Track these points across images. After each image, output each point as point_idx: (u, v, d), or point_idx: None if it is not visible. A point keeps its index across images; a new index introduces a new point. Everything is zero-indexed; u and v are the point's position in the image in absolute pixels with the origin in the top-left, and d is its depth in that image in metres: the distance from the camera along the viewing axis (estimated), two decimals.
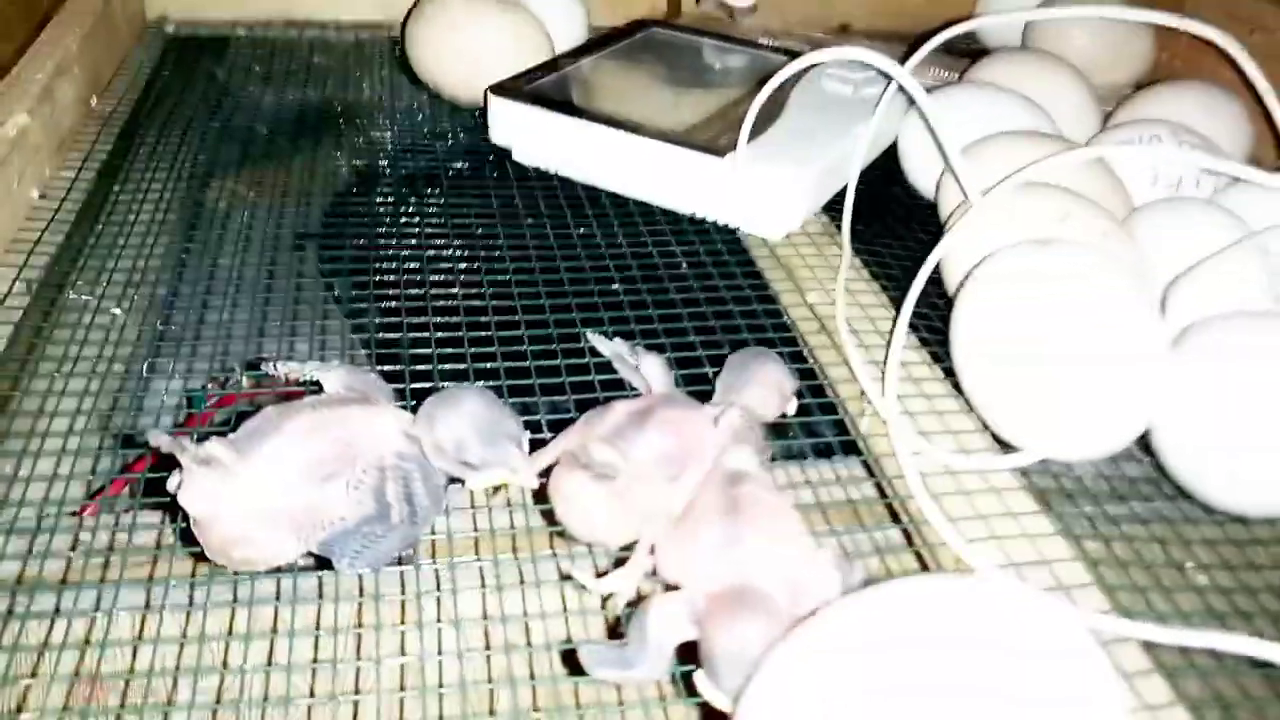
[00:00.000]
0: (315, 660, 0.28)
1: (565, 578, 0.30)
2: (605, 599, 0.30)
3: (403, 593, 0.30)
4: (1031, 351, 0.34)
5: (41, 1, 0.56)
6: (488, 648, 0.29)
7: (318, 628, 0.29)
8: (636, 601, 0.28)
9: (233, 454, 0.27)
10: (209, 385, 0.48)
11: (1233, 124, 0.52)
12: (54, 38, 0.52)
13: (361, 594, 0.30)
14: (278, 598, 0.30)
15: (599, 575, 0.29)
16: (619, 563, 0.29)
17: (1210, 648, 0.28)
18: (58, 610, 0.28)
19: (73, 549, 0.31)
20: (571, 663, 0.27)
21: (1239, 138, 0.52)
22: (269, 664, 0.28)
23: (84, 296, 0.40)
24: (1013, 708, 0.20)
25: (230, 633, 0.29)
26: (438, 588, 0.30)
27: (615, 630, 0.30)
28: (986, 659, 0.21)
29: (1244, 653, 0.28)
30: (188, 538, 0.28)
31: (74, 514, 0.33)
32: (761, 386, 0.34)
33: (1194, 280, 0.38)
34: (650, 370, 0.34)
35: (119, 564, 0.30)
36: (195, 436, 0.28)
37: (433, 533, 0.32)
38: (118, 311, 0.40)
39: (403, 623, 0.29)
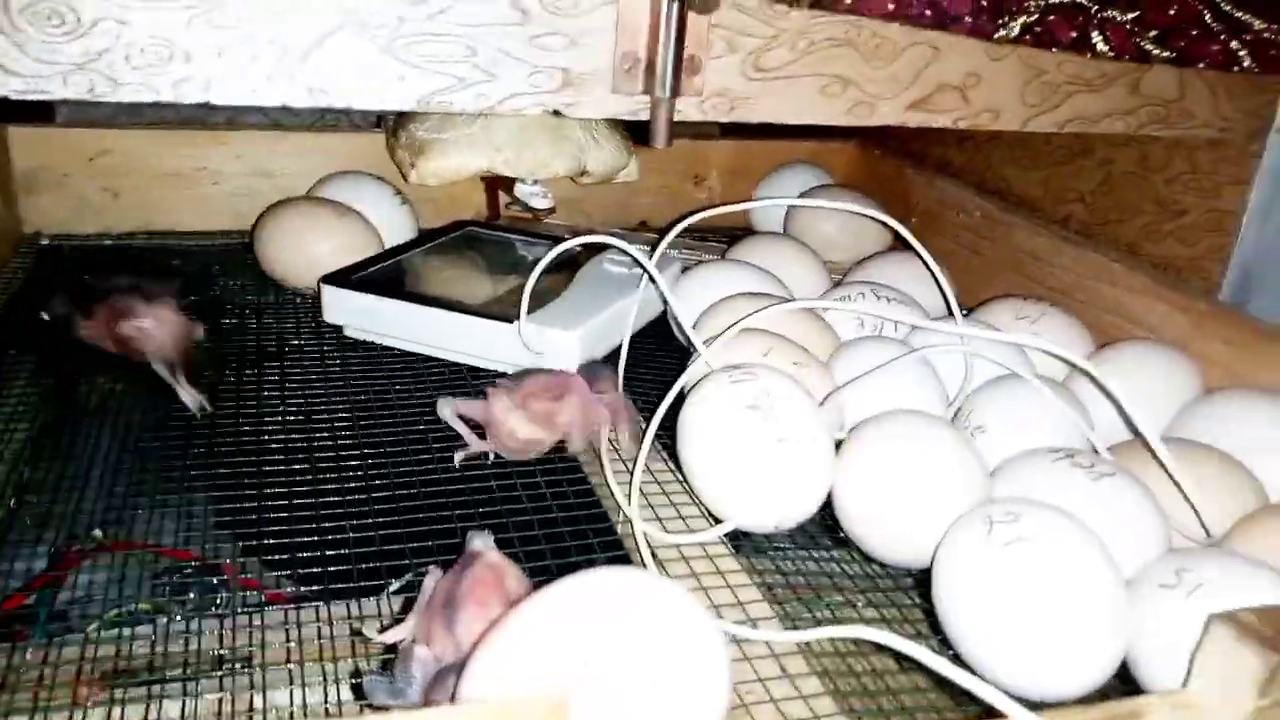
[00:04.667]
0: None
1: (356, 633, 0.38)
2: (388, 647, 0.37)
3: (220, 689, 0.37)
4: (729, 449, 0.45)
5: None
6: None
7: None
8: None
9: None
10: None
11: (928, 282, 0.66)
12: None
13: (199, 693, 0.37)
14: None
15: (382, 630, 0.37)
16: (396, 621, 0.37)
17: (838, 637, 0.38)
18: None
19: None
20: (358, 692, 0.35)
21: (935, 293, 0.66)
22: None
23: None
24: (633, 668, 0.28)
25: None
26: (250, 686, 0.37)
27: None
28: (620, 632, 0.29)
29: (860, 637, 0.37)
30: None
31: None
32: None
33: (864, 387, 0.49)
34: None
35: None
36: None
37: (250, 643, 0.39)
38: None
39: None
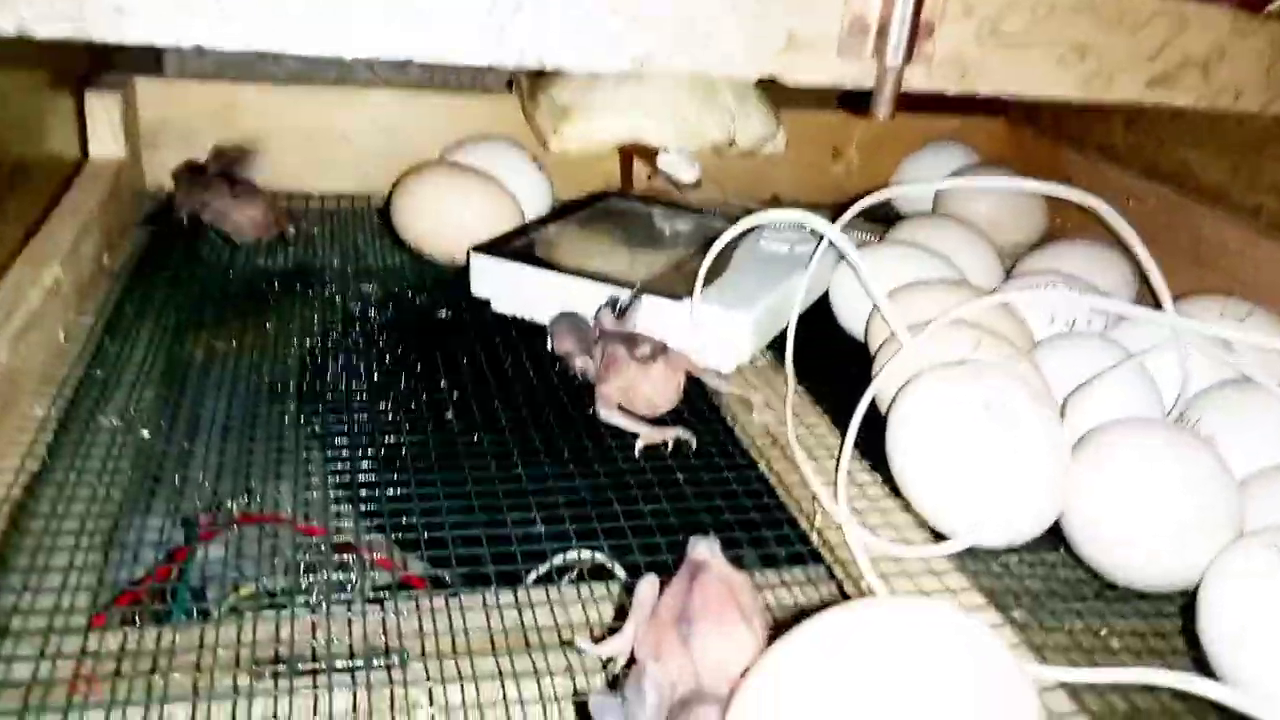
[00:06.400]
0: None
1: (567, 643, 0.35)
2: (605, 662, 0.34)
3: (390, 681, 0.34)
4: (958, 455, 0.41)
5: (66, 167, 0.62)
6: None
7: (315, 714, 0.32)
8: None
9: None
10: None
11: (1114, 273, 0.61)
12: (76, 200, 0.57)
13: (354, 683, 0.34)
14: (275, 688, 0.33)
15: (595, 641, 0.34)
16: (611, 631, 0.34)
17: (1119, 682, 0.33)
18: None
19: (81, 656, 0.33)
20: (583, 714, 0.31)
21: (1120, 285, 0.61)
22: None
23: (113, 421, 0.45)
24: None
25: None
26: (426, 678, 0.34)
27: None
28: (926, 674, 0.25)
29: (1149, 683, 0.33)
30: None
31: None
32: None
33: (1087, 394, 0.44)
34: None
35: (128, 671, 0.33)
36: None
37: (420, 630, 0.36)
38: (145, 434, 0.44)
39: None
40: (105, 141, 0.66)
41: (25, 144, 0.56)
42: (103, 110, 0.65)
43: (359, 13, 0.35)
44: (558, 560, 0.44)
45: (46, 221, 0.54)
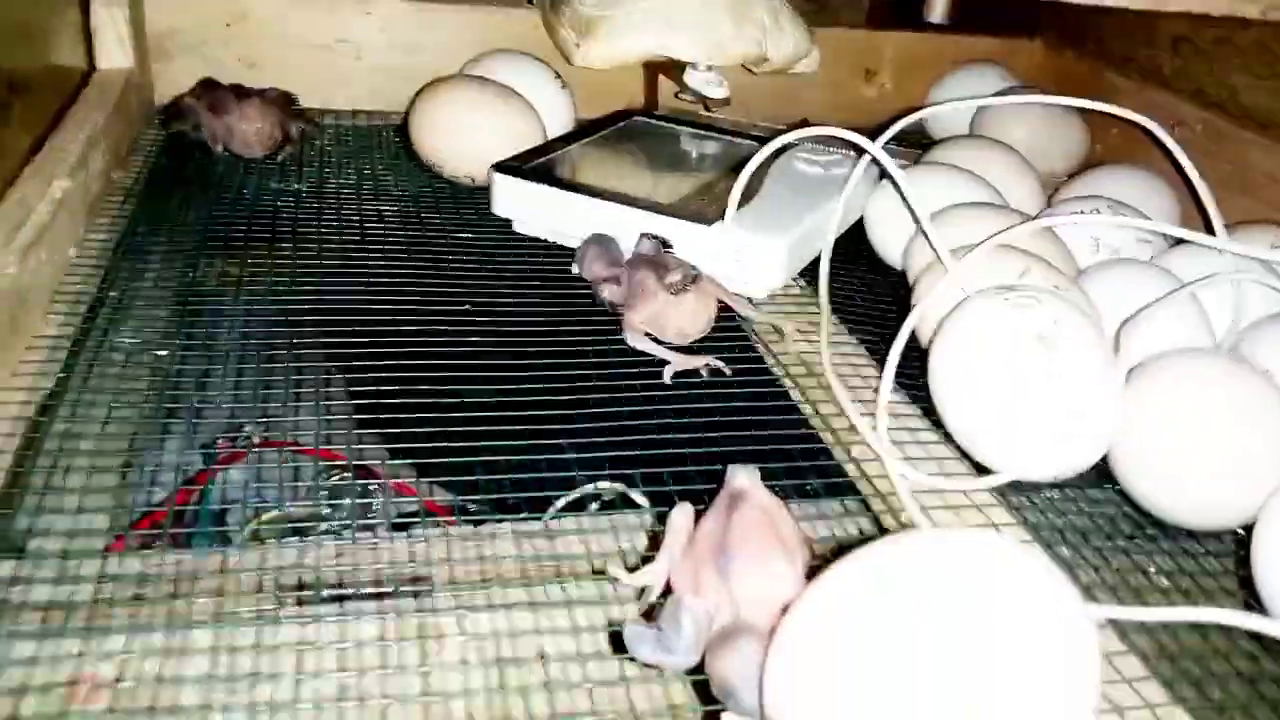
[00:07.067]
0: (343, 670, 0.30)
1: (599, 572, 0.34)
2: (639, 592, 0.33)
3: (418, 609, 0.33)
4: (1007, 386, 0.39)
5: (73, 79, 0.59)
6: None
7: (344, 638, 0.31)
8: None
9: None
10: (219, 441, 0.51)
11: (1160, 200, 0.59)
12: (83, 113, 0.55)
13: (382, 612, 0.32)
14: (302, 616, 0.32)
15: (630, 570, 0.32)
16: (645, 560, 0.33)
17: (1175, 621, 0.32)
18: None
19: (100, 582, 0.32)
20: (617, 644, 0.30)
21: (1166, 212, 0.59)
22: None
23: (127, 341, 0.43)
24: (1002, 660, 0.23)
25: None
26: (455, 607, 0.33)
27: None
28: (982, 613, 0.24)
29: (1203, 620, 0.32)
30: None
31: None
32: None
33: (1140, 324, 0.42)
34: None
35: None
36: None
37: (449, 559, 0.35)
38: (163, 353, 0.43)
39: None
40: (113, 52, 0.64)
41: (29, 55, 0.54)
42: (110, 19, 0.63)
43: None
44: (589, 489, 0.43)
45: (53, 134, 0.52)
